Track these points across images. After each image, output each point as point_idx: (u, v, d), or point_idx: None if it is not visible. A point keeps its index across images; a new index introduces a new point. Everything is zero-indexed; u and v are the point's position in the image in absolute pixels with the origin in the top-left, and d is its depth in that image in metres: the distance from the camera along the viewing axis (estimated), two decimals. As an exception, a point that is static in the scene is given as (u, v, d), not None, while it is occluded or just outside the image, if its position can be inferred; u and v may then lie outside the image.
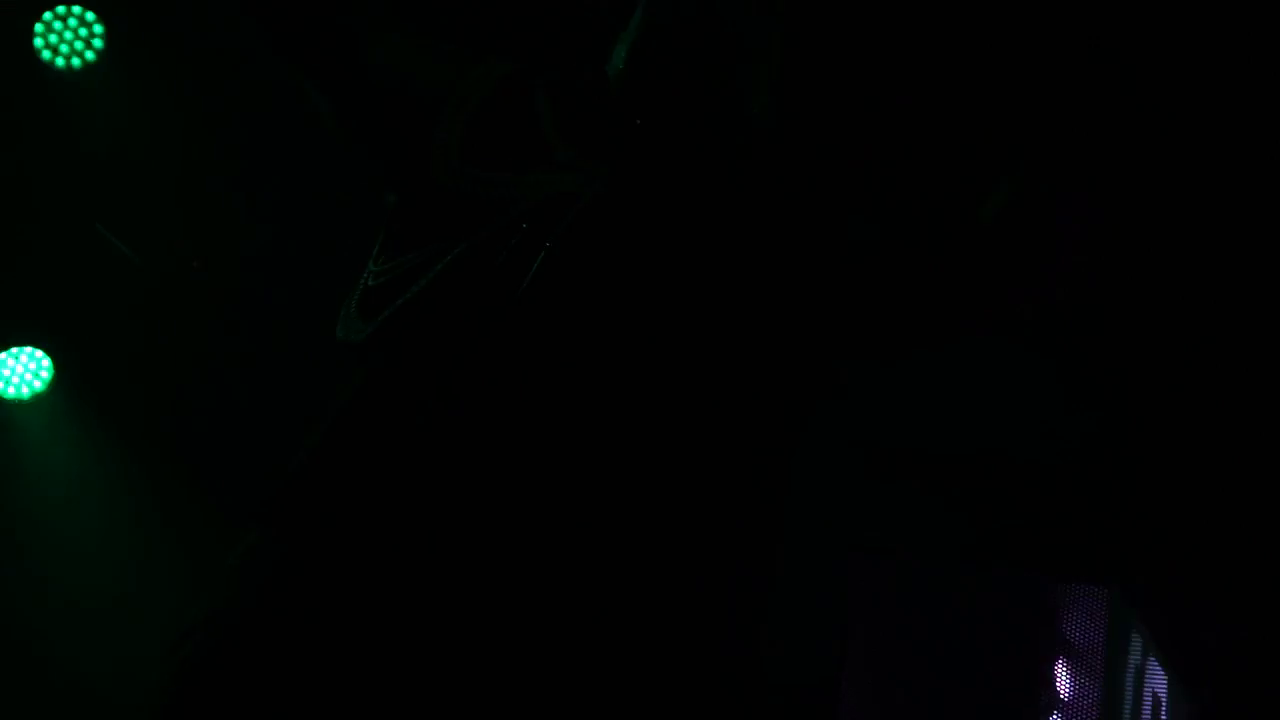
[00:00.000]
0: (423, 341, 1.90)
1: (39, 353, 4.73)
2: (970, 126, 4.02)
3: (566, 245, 1.92)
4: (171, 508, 4.76)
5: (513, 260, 1.92)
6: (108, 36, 4.58)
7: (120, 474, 4.78)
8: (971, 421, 4.49)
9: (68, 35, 4.57)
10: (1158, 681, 4.56)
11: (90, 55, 4.59)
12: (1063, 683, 4.57)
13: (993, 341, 4.20)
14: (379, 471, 1.83)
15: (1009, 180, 1.93)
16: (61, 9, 4.56)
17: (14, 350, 4.71)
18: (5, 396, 4.69)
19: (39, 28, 4.56)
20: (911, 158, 3.78)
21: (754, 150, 2.26)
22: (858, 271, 2.08)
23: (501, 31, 4.05)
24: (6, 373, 4.69)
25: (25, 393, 4.70)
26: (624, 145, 2.08)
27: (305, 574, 1.84)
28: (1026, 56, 1.68)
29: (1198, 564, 4.31)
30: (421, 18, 2.11)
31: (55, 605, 4.71)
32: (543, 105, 2.11)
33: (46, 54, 4.56)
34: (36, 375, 4.72)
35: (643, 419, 1.88)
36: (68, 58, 4.59)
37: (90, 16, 4.58)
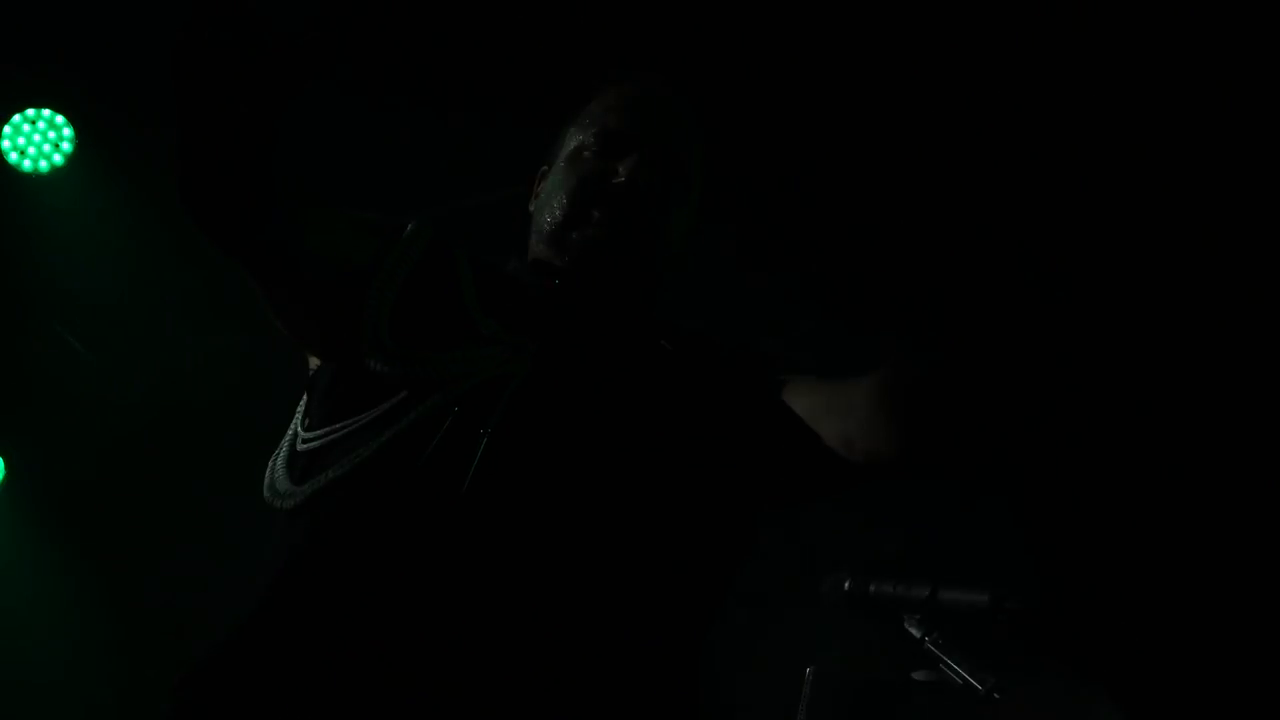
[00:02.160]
0: (356, 526, 1.87)
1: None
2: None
3: (503, 431, 1.91)
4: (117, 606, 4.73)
5: (448, 446, 1.92)
6: (77, 140, 4.60)
7: (72, 568, 4.74)
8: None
9: (37, 139, 4.57)
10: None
11: (59, 159, 4.60)
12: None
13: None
14: (311, 652, 1.79)
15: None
16: (32, 112, 4.59)
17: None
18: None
19: (8, 130, 4.57)
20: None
21: (665, 286, 2.26)
22: (780, 425, 2.07)
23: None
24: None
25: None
26: (546, 316, 2.08)
27: None
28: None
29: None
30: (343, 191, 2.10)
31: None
32: (465, 277, 2.11)
33: (15, 157, 4.57)
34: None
35: (590, 606, 1.86)
36: (36, 161, 4.59)
37: (60, 120, 4.61)
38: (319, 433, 2.02)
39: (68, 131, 4.61)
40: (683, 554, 1.99)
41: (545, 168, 2.37)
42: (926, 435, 1.98)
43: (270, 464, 2.06)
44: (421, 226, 2.16)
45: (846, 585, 2.89)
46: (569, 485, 1.94)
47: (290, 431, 2.09)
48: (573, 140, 2.32)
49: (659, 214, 2.23)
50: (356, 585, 1.83)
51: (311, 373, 2.16)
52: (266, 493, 2.03)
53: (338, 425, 2.01)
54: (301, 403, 2.13)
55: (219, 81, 1.71)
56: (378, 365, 2.00)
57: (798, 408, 2.10)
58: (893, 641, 3.06)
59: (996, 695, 2.71)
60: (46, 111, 4.59)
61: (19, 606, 4.74)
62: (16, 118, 4.58)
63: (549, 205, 2.26)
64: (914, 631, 2.85)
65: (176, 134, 1.83)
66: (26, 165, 4.58)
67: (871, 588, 2.85)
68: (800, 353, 2.24)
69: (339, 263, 2.05)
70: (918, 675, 2.89)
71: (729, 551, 2.08)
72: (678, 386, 2.10)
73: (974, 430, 1.95)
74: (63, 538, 4.75)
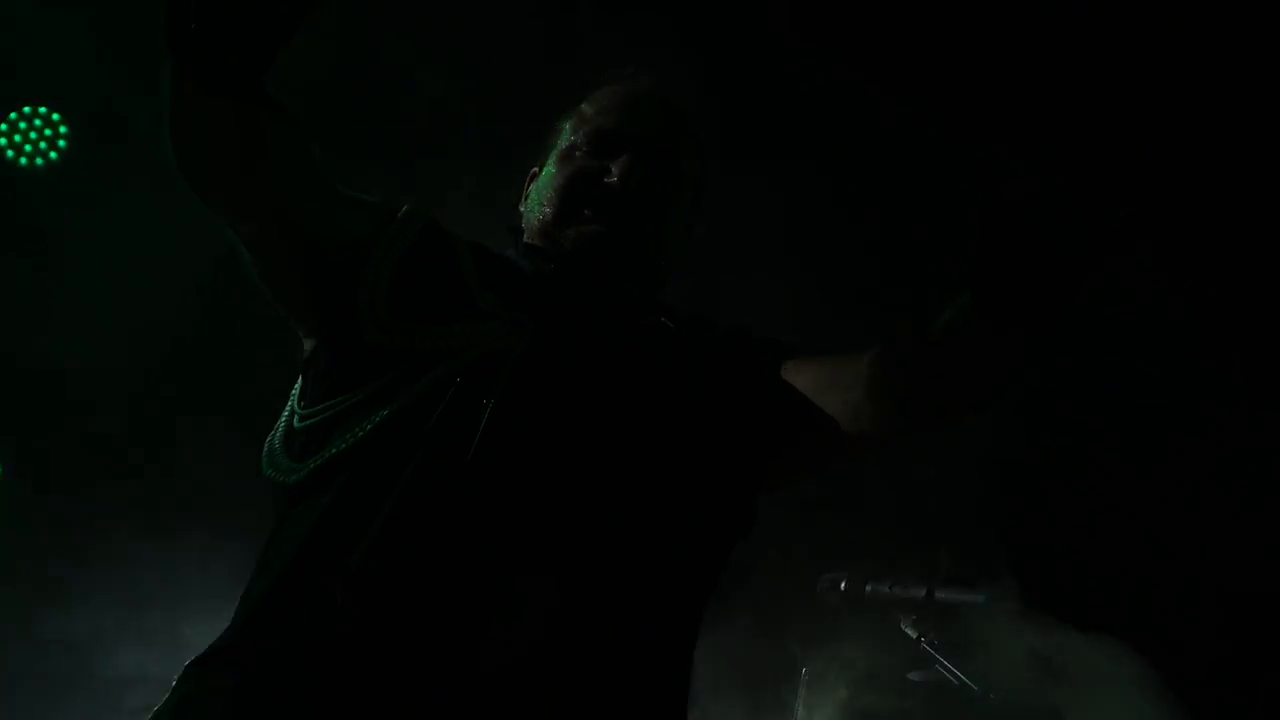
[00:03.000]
0: (363, 498, 1.88)
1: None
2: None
3: (507, 401, 1.92)
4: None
5: (452, 416, 1.92)
6: (71, 136, 4.62)
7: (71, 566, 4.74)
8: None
9: (32, 135, 4.60)
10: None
11: (54, 155, 4.63)
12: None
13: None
14: (321, 628, 1.82)
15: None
16: (27, 109, 4.61)
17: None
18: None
19: (3, 127, 4.61)
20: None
21: (665, 284, 2.28)
22: (778, 406, 2.08)
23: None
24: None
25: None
26: (543, 293, 2.08)
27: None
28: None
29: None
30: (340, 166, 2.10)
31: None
32: (462, 253, 2.11)
33: (10, 152, 4.60)
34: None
35: (596, 573, 1.88)
36: (31, 157, 4.62)
37: (55, 117, 4.63)
38: (317, 408, 2.02)
39: (63, 128, 4.63)
40: (686, 526, 2.00)
41: (535, 169, 2.37)
42: (935, 397, 2.01)
43: (268, 441, 2.06)
44: (418, 208, 2.16)
45: (843, 585, 2.89)
46: (574, 455, 1.94)
47: (287, 410, 2.08)
48: (564, 141, 2.32)
49: (653, 213, 2.23)
50: (365, 557, 1.83)
51: (306, 354, 2.16)
52: (268, 469, 2.03)
53: (336, 400, 2.01)
54: (297, 384, 2.12)
55: (209, 29, 1.73)
56: (375, 339, 2.00)
57: (800, 383, 2.11)
58: (889, 641, 3.08)
59: (991, 695, 2.71)
60: (41, 108, 4.61)
61: (18, 604, 4.73)
62: (12, 114, 4.59)
63: (540, 203, 2.26)
64: (910, 631, 2.85)
65: (169, 89, 1.84)
66: (24, 161, 4.59)
67: (868, 587, 2.86)
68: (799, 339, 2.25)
69: (336, 233, 2.06)
70: (913, 675, 2.89)
71: (729, 525, 2.08)
72: (680, 360, 2.10)
73: (984, 391, 1.99)
74: (62, 535, 4.74)
